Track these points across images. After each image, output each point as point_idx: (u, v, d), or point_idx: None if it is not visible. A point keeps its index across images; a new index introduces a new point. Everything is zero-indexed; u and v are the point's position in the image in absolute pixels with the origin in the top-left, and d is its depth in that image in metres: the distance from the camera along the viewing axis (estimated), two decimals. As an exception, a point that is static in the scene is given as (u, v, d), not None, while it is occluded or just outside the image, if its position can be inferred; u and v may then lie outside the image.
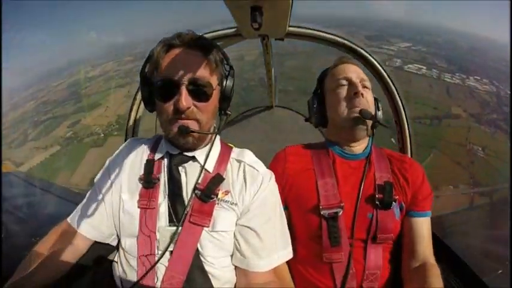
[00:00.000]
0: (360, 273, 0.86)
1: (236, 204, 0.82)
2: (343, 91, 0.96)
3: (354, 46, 1.22)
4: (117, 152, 0.93)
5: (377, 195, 0.90)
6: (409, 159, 1.02)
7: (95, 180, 0.90)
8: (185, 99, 0.75)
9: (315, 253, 0.90)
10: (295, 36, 1.24)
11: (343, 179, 0.94)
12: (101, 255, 0.84)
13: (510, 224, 0.93)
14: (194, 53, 0.79)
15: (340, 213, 0.88)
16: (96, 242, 0.84)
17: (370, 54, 1.24)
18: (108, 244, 0.85)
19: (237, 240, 0.82)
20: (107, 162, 0.91)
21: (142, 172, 0.84)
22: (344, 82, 0.97)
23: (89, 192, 0.90)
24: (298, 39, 1.28)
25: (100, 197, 0.85)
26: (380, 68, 1.24)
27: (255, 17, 0.83)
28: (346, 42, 1.22)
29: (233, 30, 1.21)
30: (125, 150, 0.92)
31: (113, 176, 0.86)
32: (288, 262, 0.86)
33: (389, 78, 1.26)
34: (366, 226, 0.89)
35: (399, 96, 1.26)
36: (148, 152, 0.89)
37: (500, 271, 0.81)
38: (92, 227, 0.82)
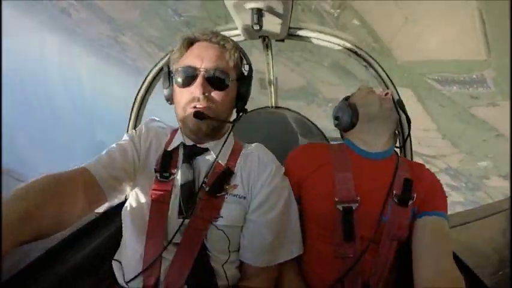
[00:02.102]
0: (369, 269, 0.86)
1: (245, 197, 0.82)
2: (375, 93, 1.04)
3: (354, 48, 1.22)
4: (142, 127, 0.93)
5: (394, 192, 0.90)
6: (427, 169, 1.03)
7: (118, 143, 0.87)
8: (202, 85, 0.78)
9: (325, 248, 0.90)
10: (296, 37, 1.25)
11: (360, 174, 0.94)
12: (104, 254, 0.85)
13: (510, 224, 0.92)
14: (214, 47, 0.83)
15: (355, 208, 0.88)
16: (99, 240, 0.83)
17: (371, 56, 1.24)
18: (111, 241, 0.85)
19: (243, 232, 0.82)
20: (132, 133, 0.91)
21: (158, 163, 0.85)
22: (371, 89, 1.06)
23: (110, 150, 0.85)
24: (299, 40, 1.28)
25: (120, 156, 0.83)
26: (380, 69, 1.25)
27: (256, 19, 0.84)
28: (347, 43, 1.22)
29: (234, 31, 1.21)
30: (149, 129, 0.93)
31: (134, 151, 0.86)
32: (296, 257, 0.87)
33: (390, 80, 1.26)
34: (381, 222, 0.88)
35: (399, 97, 1.26)
36: (166, 141, 0.90)
37: (500, 272, 0.81)
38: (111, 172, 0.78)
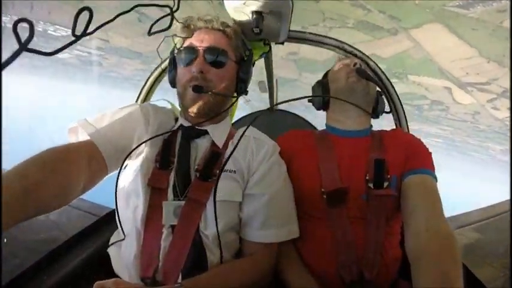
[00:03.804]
0: (361, 256, 0.84)
1: (235, 171, 0.82)
2: (345, 67, 1.03)
3: (354, 50, 1.24)
4: (154, 105, 0.94)
5: (367, 176, 0.89)
6: (400, 131, 1.05)
7: (129, 113, 0.86)
8: (200, 63, 0.81)
9: (317, 235, 0.90)
10: (296, 40, 1.26)
11: (342, 155, 0.95)
12: (106, 257, 0.85)
13: (510, 225, 0.92)
14: (214, 32, 0.87)
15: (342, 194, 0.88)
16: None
17: (369, 58, 1.25)
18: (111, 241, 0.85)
19: (243, 209, 0.83)
20: (145, 106, 0.91)
21: (159, 150, 0.84)
22: (345, 62, 1.05)
23: (113, 114, 0.85)
24: (299, 43, 1.29)
25: (122, 125, 0.82)
26: (378, 68, 1.26)
27: (256, 22, 0.84)
28: (346, 46, 1.24)
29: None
30: (159, 109, 0.93)
31: (144, 131, 0.84)
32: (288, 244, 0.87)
33: (389, 81, 1.27)
34: (362, 207, 0.88)
35: (397, 96, 1.27)
36: (169, 126, 0.90)
37: (502, 274, 0.81)
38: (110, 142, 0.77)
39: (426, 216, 0.73)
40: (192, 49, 0.83)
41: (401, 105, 1.27)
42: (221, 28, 0.88)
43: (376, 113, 1.06)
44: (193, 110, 0.84)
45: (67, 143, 0.72)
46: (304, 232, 0.91)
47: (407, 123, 1.27)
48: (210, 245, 0.78)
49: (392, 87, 1.26)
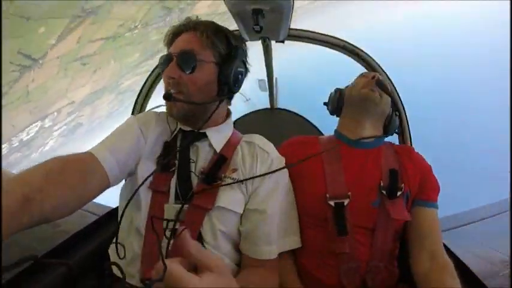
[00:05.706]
0: (364, 265, 0.85)
1: (242, 182, 0.82)
2: (363, 77, 1.05)
3: (355, 48, 1.23)
4: (153, 113, 0.93)
5: (382, 183, 0.89)
6: (416, 152, 1.03)
7: (126, 125, 0.86)
8: (171, 69, 0.80)
9: (319, 244, 0.89)
10: (296, 38, 1.25)
11: (350, 165, 0.94)
12: (107, 254, 0.85)
13: (510, 224, 0.93)
14: (187, 33, 0.84)
15: (347, 203, 0.88)
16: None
17: (369, 56, 1.25)
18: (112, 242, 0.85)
19: (242, 223, 0.82)
20: (143, 116, 0.91)
21: (160, 153, 0.84)
22: (366, 74, 1.08)
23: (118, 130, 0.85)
24: (299, 41, 1.29)
25: (128, 141, 0.82)
26: (380, 69, 1.25)
27: (257, 20, 0.84)
28: (347, 44, 1.23)
29: (234, 32, 1.21)
30: (159, 116, 0.92)
31: (142, 139, 0.84)
32: (292, 254, 0.88)
33: (389, 79, 1.26)
34: (371, 215, 0.88)
35: (398, 94, 1.27)
36: (169, 130, 0.89)
37: (501, 274, 0.81)
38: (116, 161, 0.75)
39: (431, 247, 0.84)
40: (166, 56, 0.83)
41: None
42: (191, 27, 0.84)
43: (386, 131, 1.05)
44: (172, 116, 0.85)
45: (72, 153, 0.71)
46: (307, 240, 0.91)
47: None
48: (211, 250, 0.78)
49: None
